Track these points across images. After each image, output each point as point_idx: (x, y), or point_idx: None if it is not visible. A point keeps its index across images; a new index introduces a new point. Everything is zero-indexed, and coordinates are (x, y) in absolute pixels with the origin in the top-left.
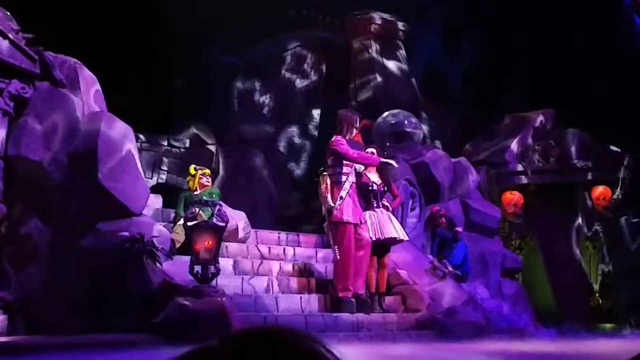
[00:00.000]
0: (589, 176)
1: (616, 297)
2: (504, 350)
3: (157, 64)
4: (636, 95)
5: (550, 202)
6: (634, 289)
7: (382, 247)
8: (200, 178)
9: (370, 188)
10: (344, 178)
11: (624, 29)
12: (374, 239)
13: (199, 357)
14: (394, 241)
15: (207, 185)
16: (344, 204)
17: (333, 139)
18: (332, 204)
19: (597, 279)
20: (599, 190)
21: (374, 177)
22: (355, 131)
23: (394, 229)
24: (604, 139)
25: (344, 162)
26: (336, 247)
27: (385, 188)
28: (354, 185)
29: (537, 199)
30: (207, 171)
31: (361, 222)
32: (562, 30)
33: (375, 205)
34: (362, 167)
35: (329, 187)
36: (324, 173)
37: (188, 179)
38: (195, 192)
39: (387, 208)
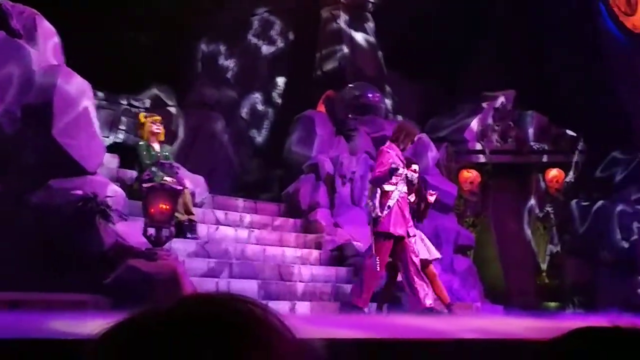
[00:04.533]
0: (544, 158)
1: (562, 277)
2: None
3: (121, 21)
4: (595, 81)
5: (505, 182)
6: (579, 270)
7: None
8: (150, 126)
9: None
10: (391, 187)
11: (585, 14)
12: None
13: (146, 320)
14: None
15: (158, 133)
16: (391, 214)
17: (385, 144)
18: (380, 214)
19: (546, 259)
20: (553, 172)
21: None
22: (410, 144)
23: (425, 250)
24: (560, 122)
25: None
26: (377, 257)
27: (417, 206)
28: (405, 195)
29: (493, 178)
30: (158, 118)
31: (409, 235)
32: (527, 12)
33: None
34: (415, 176)
35: (378, 194)
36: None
37: (138, 127)
38: (154, 145)
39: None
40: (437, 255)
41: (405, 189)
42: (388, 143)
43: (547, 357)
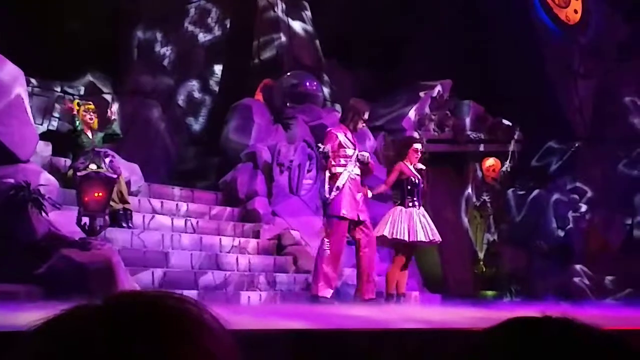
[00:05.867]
0: (481, 148)
1: (499, 266)
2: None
3: (55, 6)
4: (531, 71)
5: (442, 171)
6: (516, 259)
7: (412, 247)
8: (83, 115)
9: (410, 181)
10: (340, 169)
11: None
12: (406, 239)
13: (78, 316)
14: (426, 244)
15: (91, 123)
16: (341, 196)
17: (329, 128)
18: (328, 196)
19: (483, 248)
20: (490, 162)
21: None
22: (361, 123)
23: (423, 233)
24: (497, 112)
25: (343, 151)
26: (327, 240)
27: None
28: (357, 178)
29: (430, 167)
30: (91, 106)
31: (359, 219)
32: (465, 2)
33: (410, 203)
34: (365, 155)
35: (327, 177)
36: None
37: (71, 115)
38: (88, 133)
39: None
40: (438, 238)
41: (356, 170)
42: (337, 124)
43: (480, 349)
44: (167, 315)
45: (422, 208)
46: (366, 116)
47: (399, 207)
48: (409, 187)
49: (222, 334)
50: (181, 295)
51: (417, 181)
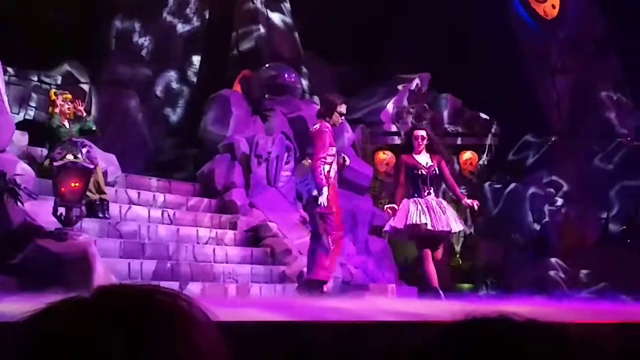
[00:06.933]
0: (458, 141)
1: (475, 259)
2: (363, 307)
3: None
4: (506, 65)
5: None
6: (492, 252)
7: (434, 239)
8: (60, 105)
9: (417, 173)
10: (327, 167)
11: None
12: (426, 228)
13: (71, 310)
14: (448, 234)
15: (68, 113)
16: (330, 193)
17: (316, 126)
18: (320, 195)
19: (459, 241)
20: (467, 155)
21: (423, 158)
22: (335, 115)
23: (446, 222)
24: (474, 105)
25: (330, 149)
26: (328, 236)
27: (437, 171)
28: (336, 174)
29: None
30: (68, 96)
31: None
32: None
33: (425, 192)
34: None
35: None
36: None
37: (48, 104)
38: (65, 122)
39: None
40: (460, 227)
41: (336, 167)
42: (320, 122)
43: (437, 345)
44: (157, 311)
45: (438, 197)
46: (342, 109)
47: (411, 199)
48: (417, 178)
49: (211, 329)
50: (170, 290)
51: (423, 171)
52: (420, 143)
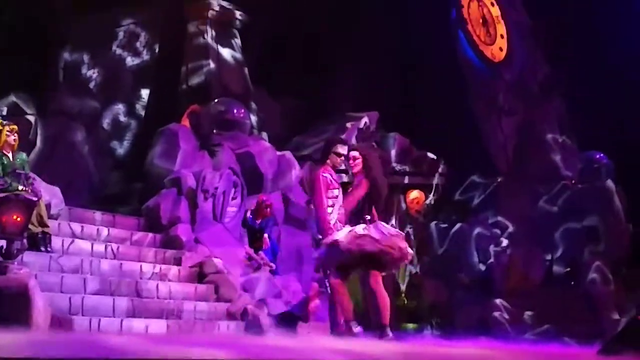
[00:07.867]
0: (406, 180)
1: (421, 298)
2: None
3: None
4: (456, 106)
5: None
6: (437, 291)
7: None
8: (7, 135)
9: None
10: (329, 210)
11: (447, 42)
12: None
13: None
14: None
15: (14, 145)
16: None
17: (318, 168)
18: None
19: (405, 280)
20: (414, 194)
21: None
22: (335, 158)
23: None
24: (422, 145)
25: (330, 192)
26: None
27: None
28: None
29: None
30: (15, 127)
31: None
32: (392, 36)
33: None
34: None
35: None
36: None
37: None
38: (8, 154)
39: None
40: None
41: (341, 210)
42: (320, 166)
43: None
44: None
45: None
46: (341, 150)
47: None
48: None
49: None
50: None
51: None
52: (339, 160)
